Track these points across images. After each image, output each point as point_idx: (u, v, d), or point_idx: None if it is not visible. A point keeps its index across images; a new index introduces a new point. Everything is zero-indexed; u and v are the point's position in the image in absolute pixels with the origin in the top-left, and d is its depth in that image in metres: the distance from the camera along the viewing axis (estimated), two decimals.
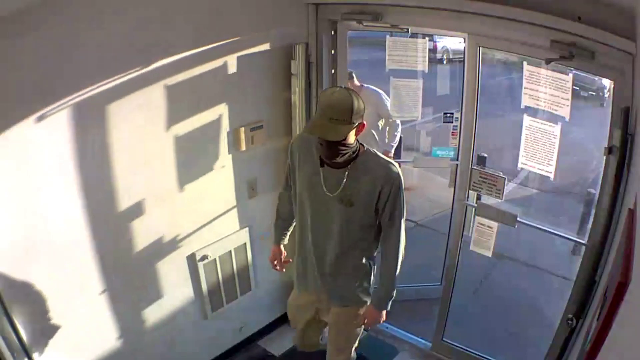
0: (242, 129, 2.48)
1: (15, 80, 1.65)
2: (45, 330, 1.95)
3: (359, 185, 1.79)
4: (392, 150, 4.06)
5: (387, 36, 2.60)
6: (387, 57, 2.66)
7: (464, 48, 2.42)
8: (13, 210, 1.76)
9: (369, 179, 1.78)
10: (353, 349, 2.22)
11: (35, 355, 1.92)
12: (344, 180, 1.79)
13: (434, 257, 2.80)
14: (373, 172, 1.79)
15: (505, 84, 6.53)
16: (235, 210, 2.59)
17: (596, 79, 5.23)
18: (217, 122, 2.39)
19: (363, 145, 1.84)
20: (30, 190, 1.79)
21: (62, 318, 1.99)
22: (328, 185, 1.81)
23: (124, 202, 2.10)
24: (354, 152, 1.77)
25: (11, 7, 1.57)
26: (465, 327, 3.07)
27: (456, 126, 3.15)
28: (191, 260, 2.45)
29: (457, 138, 2.87)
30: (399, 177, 1.81)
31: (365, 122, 1.73)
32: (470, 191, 2.52)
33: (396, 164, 1.83)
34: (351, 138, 1.71)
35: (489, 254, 2.51)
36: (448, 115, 3.34)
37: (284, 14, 2.56)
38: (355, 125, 1.68)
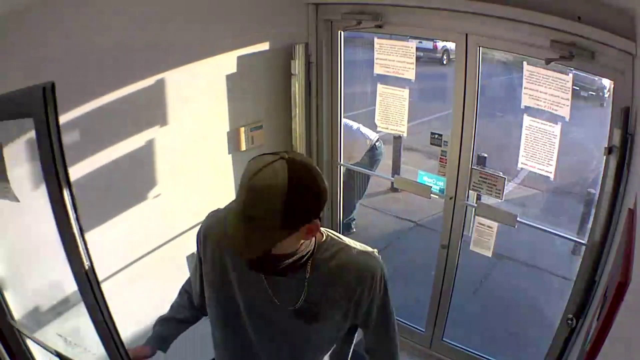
0: (242, 129, 2.49)
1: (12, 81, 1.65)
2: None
3: (324, 294, 1.19)
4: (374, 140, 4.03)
5: (375, 38, 2.56)
6: (375, 61, 2.58)
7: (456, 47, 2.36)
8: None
9: (338, 286, 1.18)
10: None
11: None
12: (304, 287, 1.18)
13: (434, 258, 2.80)
14: (342, 273, 1.18)
15: (505, 83, 6.53)
16: None
17: (596, 79, 5.21)
18: (217, 122, 2.39)
19: (320, 231, 1.20)
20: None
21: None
22: (279, 294, 1.20)
23: (123, 201, 2.10)
24: (304, 256, 1.15)
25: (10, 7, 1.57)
26: (465, 327, 3.07)
27: (445, 152, 2.51)
28: (191, 259, 2.45)
29: (446, 167, 2.50)
30: (382, 270, 1.21)
31: (318, 226, 1.08)
32: (470, 191, 2.51)
33: (375, 252, 1.25)
34: (292, 245, 1.09)
35: (489, 254, 2.51)
36: (436, 136, 2.57)
37: (284, 14, 2.57)
38: (294, 232, 1.04)
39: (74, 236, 1.08)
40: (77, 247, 1.09)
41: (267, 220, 0.99)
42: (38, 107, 1.02)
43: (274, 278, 1.18)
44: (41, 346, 1.68)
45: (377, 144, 4.06)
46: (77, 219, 1.07)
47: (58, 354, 1.52)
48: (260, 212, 0.99)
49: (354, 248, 1.21)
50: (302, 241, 1.10)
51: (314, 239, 1.16)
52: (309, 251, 1.15)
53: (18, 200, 1.49)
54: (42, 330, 1.91)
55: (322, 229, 1.19)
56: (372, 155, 4.06)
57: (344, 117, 3.86)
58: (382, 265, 1.22)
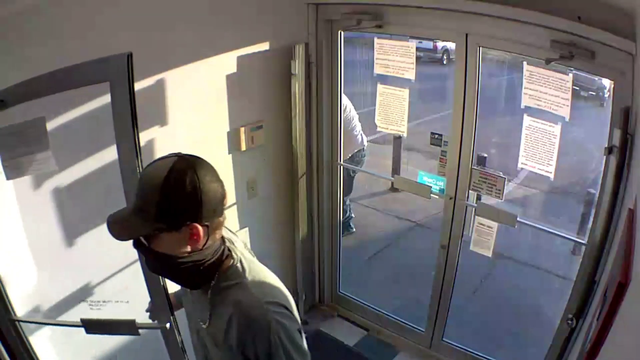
0: (242, 129, 2.49)
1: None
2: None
3: (218, 320, 1.14)
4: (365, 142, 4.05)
5: (375, 38, 2.56)
6: (375, 61, 2.58)
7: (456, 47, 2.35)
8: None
9: (224, 320, 1.11)
10: None
11: None
12: (209, 308, 1.15)
13: (434, 258, 2.80)
14: (227, 310, 1.10)
15: (505, 83, 6.54)
16: (234, 210, 2.59)
17: (596, 79, 5.22)
18: (217, 122, 2.39)
19: (232, 254, 1.16)
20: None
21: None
22: (199, 311, 1.20)
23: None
24: (197, 267, 1.09)
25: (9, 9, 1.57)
26: (465, 327, 3.07)
27: (445, 152, 2.55)
28: None
29: (446, 167, 2.53)
30: (269, 328, 1.05)
31: (199, 231, 1.03)
32: (470, 191, 2.52)
33: (274, 305, 1.10)
34: (173, 246, 1.05)
35: (489, 254, 2.51)
36: (436, 136, 2.58)
37: (284, 14, 2.57)
38: (174, 230, 1.02)
39: None
40: None
41: (145, 208, 1.02)
42: (121, 72, 1.37)
43: (195, 294, 1.20)
44: (59, 325, 1.73)
45: (364, 145, 4.12)
46: None
47: (83, 321, 1.63)
48: (141, 199, 1.04)
49: (250, 292, 1.10)
50: (188, 247, 1.06)
51: (215, 256, 1.11)
52: (206, 267, 1.10)
53: (56, 168, 1.63)
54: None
55: (239, 253, 1.17)
56: (357, 156, 4.11)
57: (355, 112, 3.90)
58: (274, 323, 1.06)
